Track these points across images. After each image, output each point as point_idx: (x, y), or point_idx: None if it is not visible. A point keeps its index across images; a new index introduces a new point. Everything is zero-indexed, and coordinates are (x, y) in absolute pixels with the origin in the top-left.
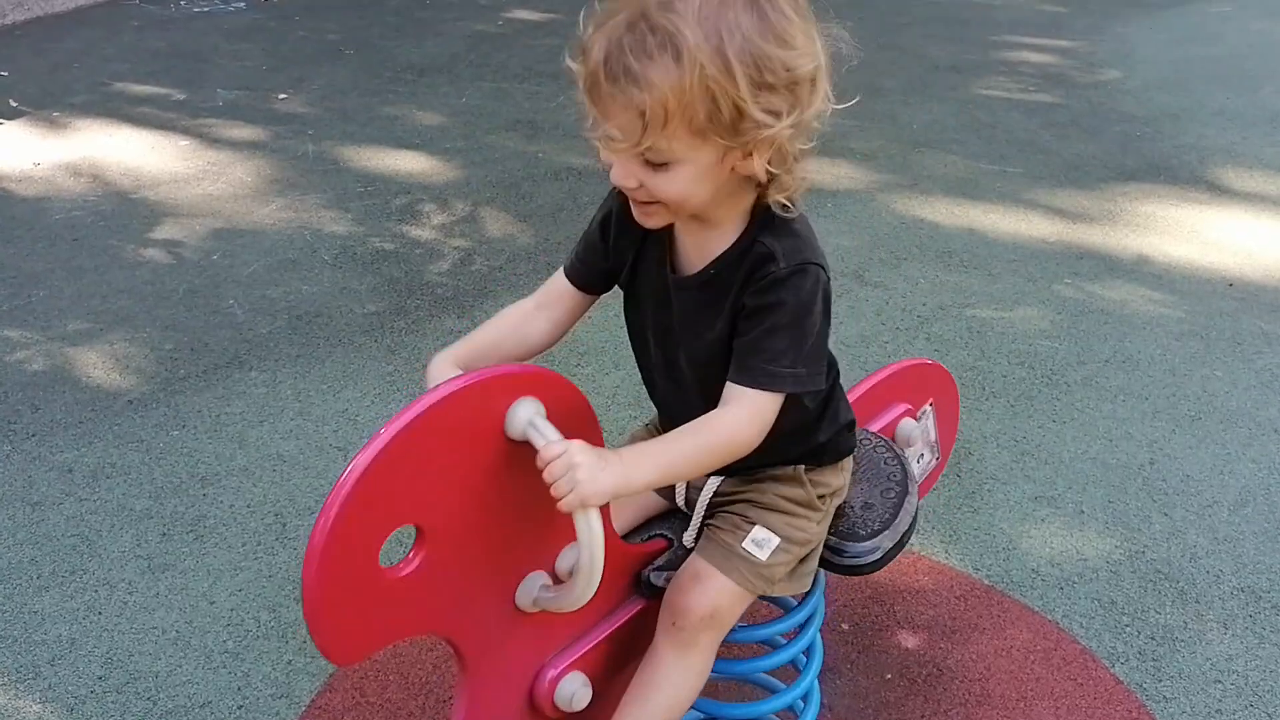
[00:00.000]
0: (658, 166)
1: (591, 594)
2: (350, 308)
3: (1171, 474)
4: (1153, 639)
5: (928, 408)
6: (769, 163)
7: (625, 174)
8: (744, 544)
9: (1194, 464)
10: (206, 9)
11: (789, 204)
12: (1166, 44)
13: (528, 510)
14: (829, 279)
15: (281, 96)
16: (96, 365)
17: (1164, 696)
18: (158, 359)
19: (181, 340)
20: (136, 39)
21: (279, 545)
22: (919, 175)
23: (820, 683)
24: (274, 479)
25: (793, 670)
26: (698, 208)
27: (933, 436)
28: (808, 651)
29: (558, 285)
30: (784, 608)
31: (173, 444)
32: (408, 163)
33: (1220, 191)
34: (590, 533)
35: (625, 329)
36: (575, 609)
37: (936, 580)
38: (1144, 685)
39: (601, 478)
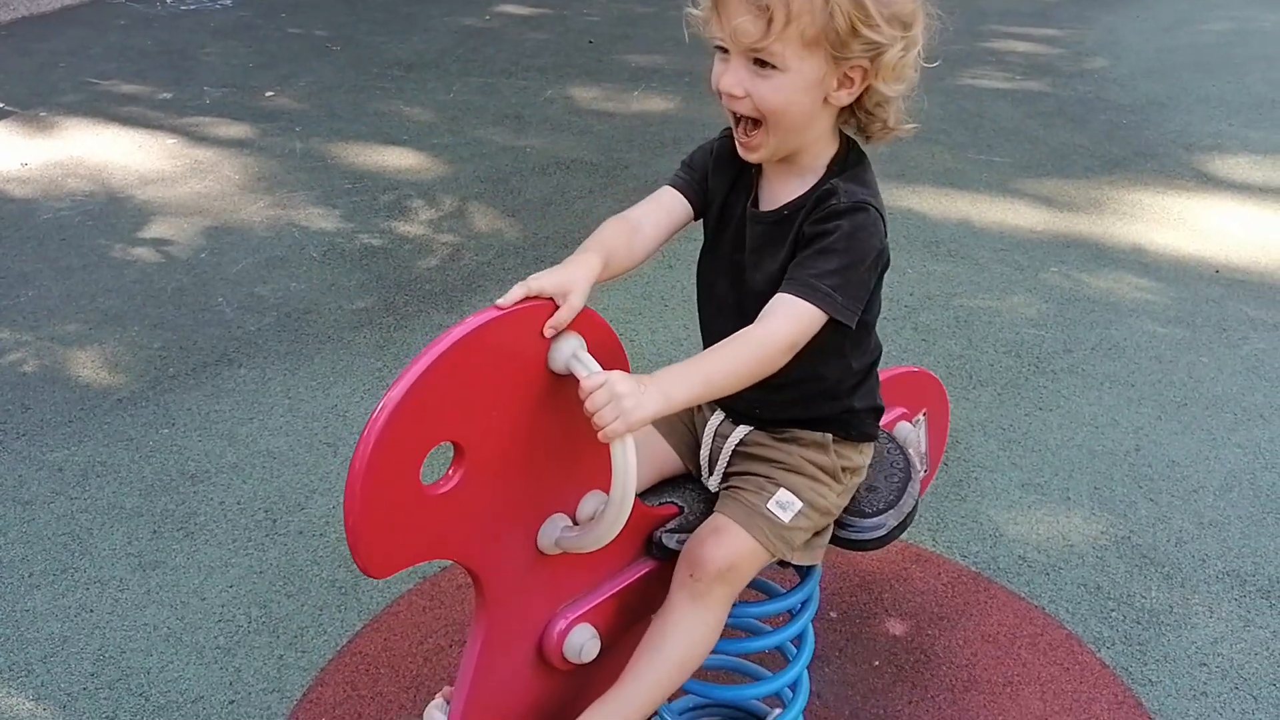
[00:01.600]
0: (765, 71)
1: (618, 530)
2: (339, 304)
3: (1157, 459)
4: (1138, 623)
5: (921, 417)
6: (861, 99)
7: (734, 81)
8: (768, 504)
9: (1180, 449)
10: (193, 7)
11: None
12: (1153, 32)
13: (560, 447)
14: (885, 233)
15: (269, 94)
16: (86, 364)
17: (1149, 680)
18: (147, 357)
19: (170, 339)
20: (123, 38)
21: (269, 541)
22: (906, 165)
23: (810, 671)
24: (264, 476)
25: (781, 657)
26: (792, 128)
27: (924, 447)
28: (799, 639)
29: (659, 199)
30: (769, 593)
31: (162, 442)
32: (395, 159)
33: (1206, 179)
34: (626, 463)
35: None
36: (598, 547)
37: (924, 567)
38: (1130, 669)
39: (644, 402)
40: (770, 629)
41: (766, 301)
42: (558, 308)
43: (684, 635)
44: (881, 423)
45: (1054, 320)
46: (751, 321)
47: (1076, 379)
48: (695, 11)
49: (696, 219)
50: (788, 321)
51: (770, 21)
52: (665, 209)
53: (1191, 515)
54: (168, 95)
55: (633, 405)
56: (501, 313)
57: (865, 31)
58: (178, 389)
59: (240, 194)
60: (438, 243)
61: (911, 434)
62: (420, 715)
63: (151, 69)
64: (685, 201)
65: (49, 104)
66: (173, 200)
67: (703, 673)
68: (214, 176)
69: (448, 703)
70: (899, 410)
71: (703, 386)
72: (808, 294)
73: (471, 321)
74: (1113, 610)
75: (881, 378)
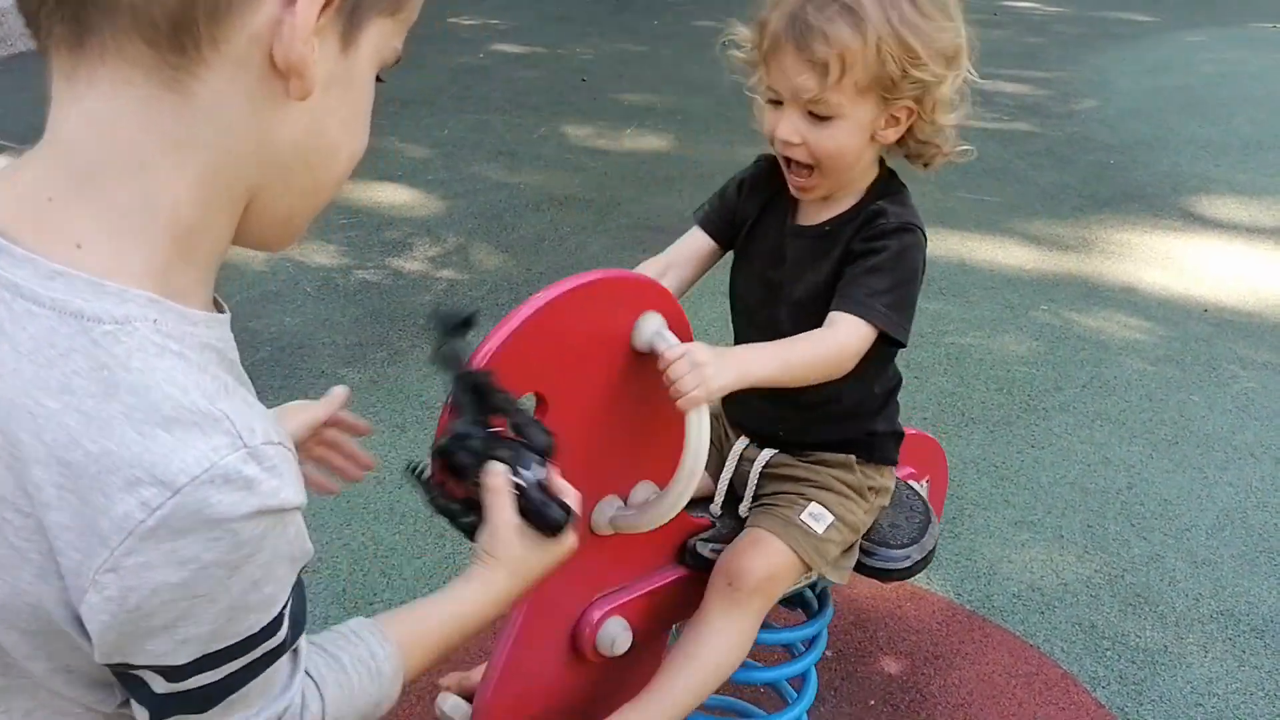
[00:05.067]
0: (820, 121)
1: (679, 508)
2: (333, 339)
3: (1149, 498)
4: (1133, 662)
5: (925, 483)
6: (913, 131)
7: (791, 130)
8: (802, 516)
9: (1171, 488)
10: None
11: (929, 161)
12: (1140, 74)
13: (629, 427)
14: (926, 255)
15: None
16: None
17: None
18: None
19: None
20: None
21: None
22: None
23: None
24: None
25: (777, 697)
26: (845, 170)
27: None
28: (801, 680)
29: (688, 241)
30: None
31: None
32: (390, 195)
33: (1194, 219)
34: (700, 432)
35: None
36: (654, 526)
37: (919, 606)
38: (1125, 709)
39: (724, 369)
40: (761, 666)
41: (805, 314)
42: (651, 286)
43: (720, 643)
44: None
45: (1045, 358)
46: (787, 336)
47: (1068, 417)
48: (740, 55)
49: (726, 250)
50: (850, 334)
51: (826, 76)
52: (692, 253)
53: (1184, 554)
54: None
55: (713, 373)
56: (602, 276)
57: (914, 73)
58: None
59: None
60: (432, 278)
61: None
62: (432, 706)
63: None
64: (711, 241)
65: None
66: None
67: (700, 710)
68: None
69: (455, 694)
70: (907, 469)
71: (779, 368)
72: (865, 312)
73: (577, 279)
74: (1107, 649)
75: None
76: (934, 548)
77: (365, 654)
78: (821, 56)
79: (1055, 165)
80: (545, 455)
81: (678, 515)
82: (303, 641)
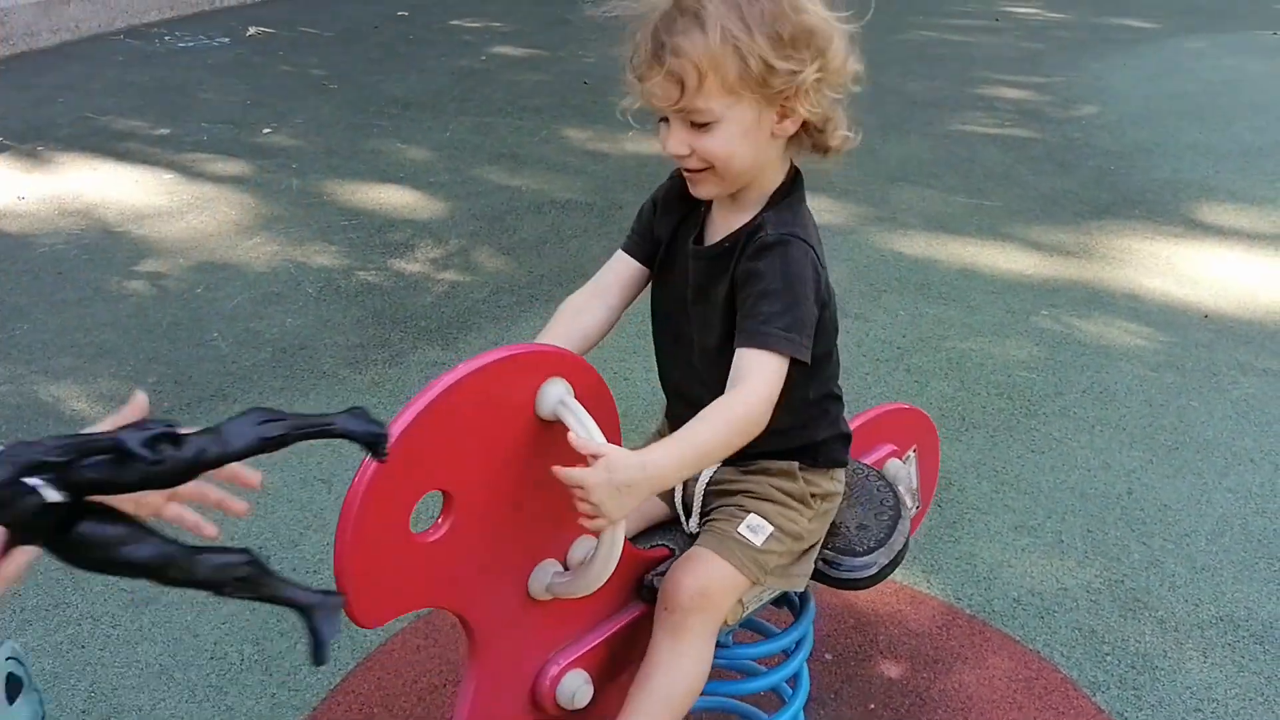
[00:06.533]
0: (702, 128)
1: (607, 575)
2: (334, 340)
3: (1149, 503)
4: (1133, 667)
5: (911, 454)
6: (806, 126)
7: (677, 142)
8: (739, 529)
9: (1171, 493)
10: (190, 44)
11: (833, 149)
12: (1140, 80)
13: (550, 492)
14: (819, 259)
15: (265, 131)
16: (80, 399)
17: None
18: (141, 392)
19: (165, 373)
20: (120, 74)
21: None
22: (897, 209)
23: (805, 713)
24: (258, 511)
25: (777, 699)
26: (743, 170)
27: (914, 483)
28: (794, 680)
29: (613, 266)
30: (766, 633)
31: None
32: (392, 196)
33: (1194, 225)
34: (613, 542)
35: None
36: (588, 593)
37: (918, 610)
38: (1125, 714)
39: (634, 492)
40: (765, 669)
41: (710, 339)
42: (546, 354)
43: (667, 671)
44: (870, 460)
45: (1045, 363)
46: (701, 366)
47: (1068, 422)
48: (629, 94)
49: (652, 270)
50: (759, 380)
51: (683, 84)
52: (618, 278)
53: (1184, 559)
54: (165, 131)
55: (615, 506)
56: (487, 361)
57: (781, 64)
58: None
59: (237, 230)
60: (433, 280)
61: (902, 470)
62: (432, 706)
63: (149, 105)
64: (635, 263)
65: (46, 138)
66: (169, 235)
67: (696, 715)
68: (210, 212)
69: None
70: (889, 447)
71: (697, 461)
72: (766, 343)
73: (459, 370)
74: (1107, 654)
75: (869, 416)
76: (905, 545)
77: None
78: (678, 69)
79: (1056, 171)
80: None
81: (635, 551)
82: None
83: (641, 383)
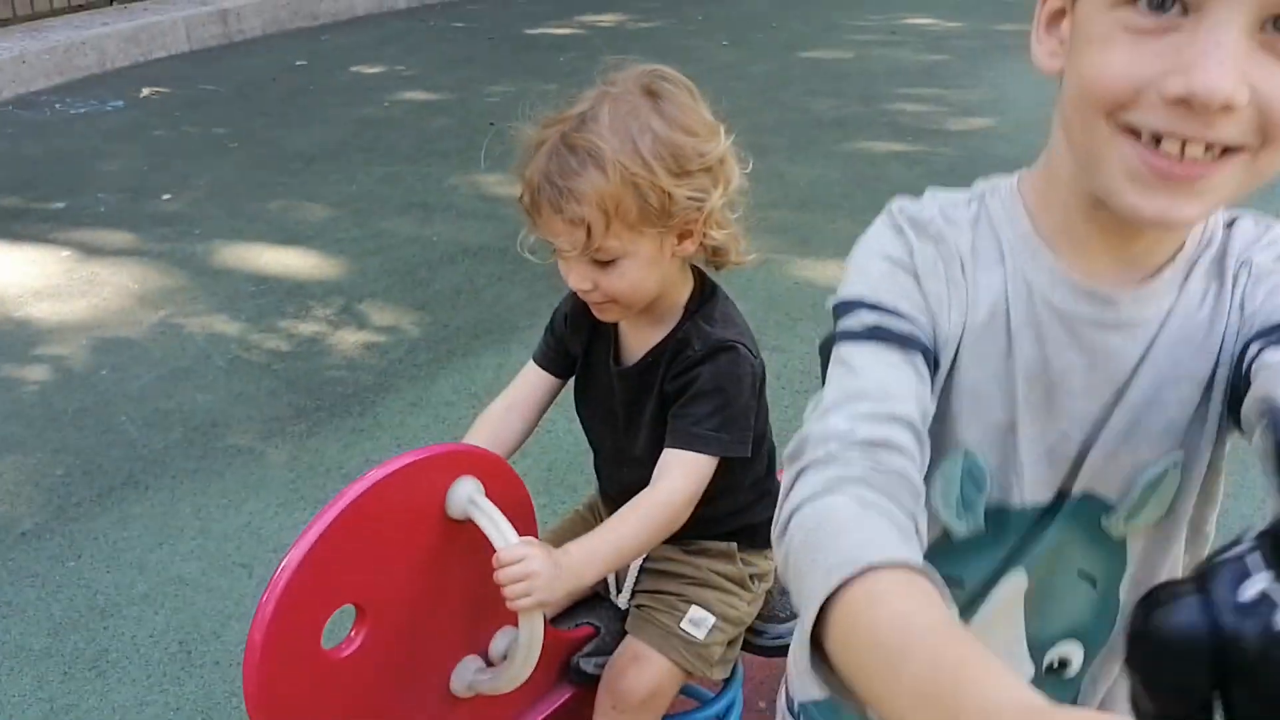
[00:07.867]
0: (606, 265)
1: (529, 671)
2: (248, 414)
3: None
4: None
5: None
6: (705, 245)
7: (580, 278)
8: (682, 624)
9: None
10: (83, 110)
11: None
12: (1035, 86)
13: (464, 591)
14: (755, 358)
15: (165, 197)
16: None
17: None
18: (50, 485)
19: (73, 463)
20: (11, 147)
21: (184, 675)
22: (809, 234)
23: None
24: (176, 604)
25: None
26: (648, 297)
27: None
28: None
29: (527, 378)
30: (699, 699)
31: (69, 576)
32: (299, 258)
33: None
34: (533, 620)
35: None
36: (509, 690)
37: None
38: None
39: (556, 586)
40: None
41: (649, 442)
42: (453, 453)
43: None
44: None
45: None
46: (637, 461)
47: None
48: (526, 227)
49: (566, 379)
50: (683, 478)
51: (589, 230)
52: (532, 389)
53: None
54: (60, 205)
55: (544, 587)
56: (390, 471)
57: (682, 195)
58: (83, 517)
59: (140, 305)
60: (347, 343)
61: None
62: None
63: (42, 178)
64: (549, 376)
65: None
66: (69, 316)
67: None
68: (111, 288)
69: None
70: None
71: (615, 560)
72: (694, 444)
73: (364, 480)
74: None
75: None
76: None
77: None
78: (579, 215)
79: (960, 184)
80: None
81: (558, 633)
82: None
83: (564, 434)
